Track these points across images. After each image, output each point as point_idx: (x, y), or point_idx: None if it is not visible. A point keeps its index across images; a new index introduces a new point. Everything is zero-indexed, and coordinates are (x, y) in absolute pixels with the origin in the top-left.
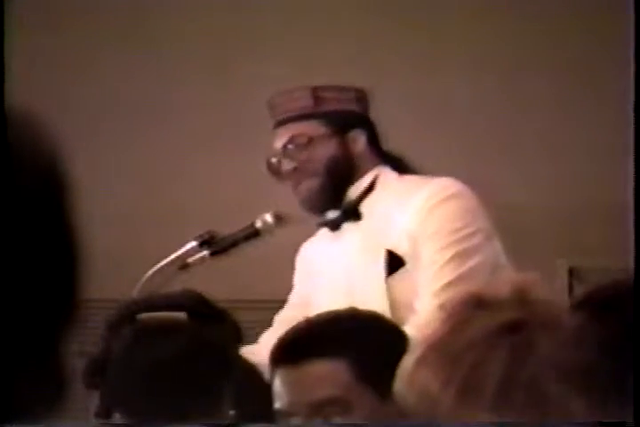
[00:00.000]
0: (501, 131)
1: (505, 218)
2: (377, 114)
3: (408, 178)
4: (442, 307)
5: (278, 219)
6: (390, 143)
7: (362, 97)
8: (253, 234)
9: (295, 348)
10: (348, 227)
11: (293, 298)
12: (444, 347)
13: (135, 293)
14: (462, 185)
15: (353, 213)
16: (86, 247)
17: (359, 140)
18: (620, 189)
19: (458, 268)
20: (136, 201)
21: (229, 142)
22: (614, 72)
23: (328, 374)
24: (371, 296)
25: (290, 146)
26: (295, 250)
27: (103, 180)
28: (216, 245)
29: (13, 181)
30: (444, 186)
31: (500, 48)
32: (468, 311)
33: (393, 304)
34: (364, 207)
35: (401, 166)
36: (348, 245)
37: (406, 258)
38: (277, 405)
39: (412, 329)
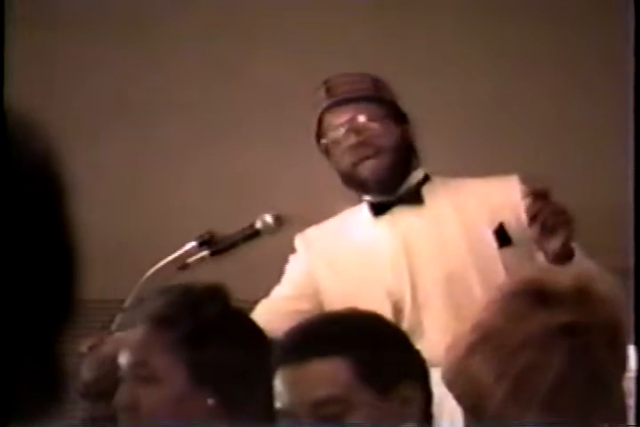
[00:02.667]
0: (500, 130)
1: None
2: None
3: (454, 178)
4: (500, 291)
5: (278, 219)
6: None
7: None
8: (253, 234)
9: (296, 347)
10: (404, 210)
11: (303, 289)
12: (500, 338)
13: (135, 293)
14: None
15: (414, 197)
16: (85, 247)
17: (414, 134)
18: (620, 189)
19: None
20: (136, 201)
21: (229, 142)
22: (614, 72)
23: (328, 374)
24: (476, 270)
25: (356, 122)
26: (294, 251)
27: (102, 180)
28: (216, 246)
29: (12, 181)
30: (522, 180)
31: (498, 48)
32: (527, 304)
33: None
34: (429, 193)
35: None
36: (420, 226)
37: (515, 236)
38: (278, 404)
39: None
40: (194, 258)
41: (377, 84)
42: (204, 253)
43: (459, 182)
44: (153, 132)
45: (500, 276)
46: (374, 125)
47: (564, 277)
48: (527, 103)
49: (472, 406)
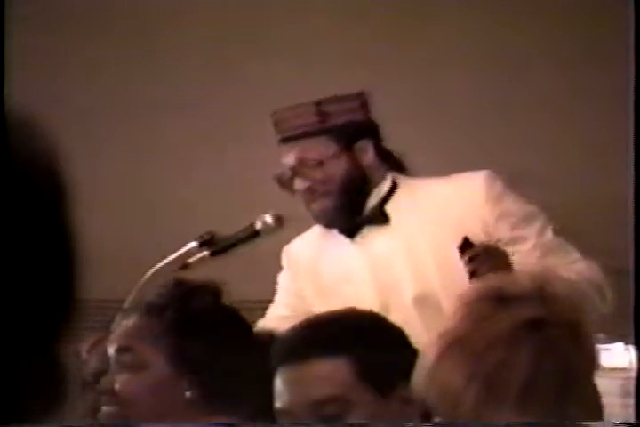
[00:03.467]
0: (500, 130)
1: None
2: (378, 113)
3: (427, 179)
4: (462, 300)
5: (278, 219)
6: (391, 143)
7: (364, 102)
8: (253, 234)
9: (297, 347)
10: (373, 231)
11: (294, 303)
12: (467, 343)
13: (134, 293)
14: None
15: (378, 217)
16: (86, 247)
17: (368, 151)
18: (621, 188)
19: (560, 244)
20: (136, 201)
21: (229, 142)
22: (615, 70)
23: (329, 374)
24: (458, 284)
25: (301, 166)
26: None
27: (102, 180)
28: (216, 246)
29: (13, 181)
30: (492, 176)
31: (502, 45)
32: (489, 307)
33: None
34: (391, 209)
35: (403, 168)
36: (390, 249)
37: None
38: (278, 404)
39: (574, 272)
40: (194, 258)
41: (322, 111)
42: (205, 253)
43: (425, 188)
44: (153, 133)
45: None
46: (320, 169)
47: (521, 280)
48: (527, 103)
49: (447, 409)
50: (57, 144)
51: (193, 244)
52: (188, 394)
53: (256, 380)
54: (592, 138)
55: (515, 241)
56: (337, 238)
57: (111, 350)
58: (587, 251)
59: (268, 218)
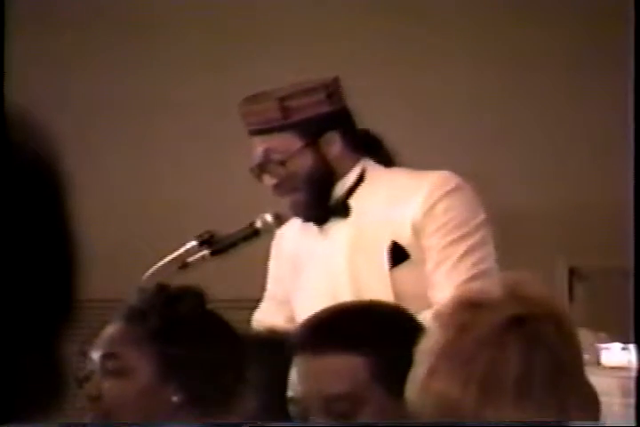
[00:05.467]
0: (501, 130)
1: (505, 217)
2: (376, 110)
3: (397, 170)
4: (436, 316)
5: (278, 219)
6: (387, 138)
7: (333, 91)
8: (253, 234)
9: (315, 339)
10: (336, 223)
11: (275, 290)
12: (454, 351)
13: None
14: (458, 177)
15: (341, 210)
16: (85, 247)
17: (334, 143)
18: (621, 188)
19: (477, 262)
20: (135, 200)
21: (229, 141)
22: (614, 71)
23: (346, 370)
24: (375, 289)
25: (267, 162)
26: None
27: (102, 179)
28: (216, 245)
29: (12, 181)
30: (445, 179)
31: (500, 43)
32: (467, 315)
33: (398, 296)
34: (354, 202)
35: (384, 156)
36: (340, 242)
37: (410, 249)
38: (291, 393)
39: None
40: (194, 257)
41: (285, 106)
42: (205, 252)
43: (388, 182)
44: (153, 132)
45: (380, 296)
46: (285, 166)
47: (492, 286)
48: (527, 103)
49: (448, 418)
50: (56, 143)
51: (193, 243)
52: (174, 399)
53: (242, 382)
54: (592, 138)
55: (437, 250)
56: (311, 228)
57: (96, 357)
58: (588, 251)
59: (268, 217)
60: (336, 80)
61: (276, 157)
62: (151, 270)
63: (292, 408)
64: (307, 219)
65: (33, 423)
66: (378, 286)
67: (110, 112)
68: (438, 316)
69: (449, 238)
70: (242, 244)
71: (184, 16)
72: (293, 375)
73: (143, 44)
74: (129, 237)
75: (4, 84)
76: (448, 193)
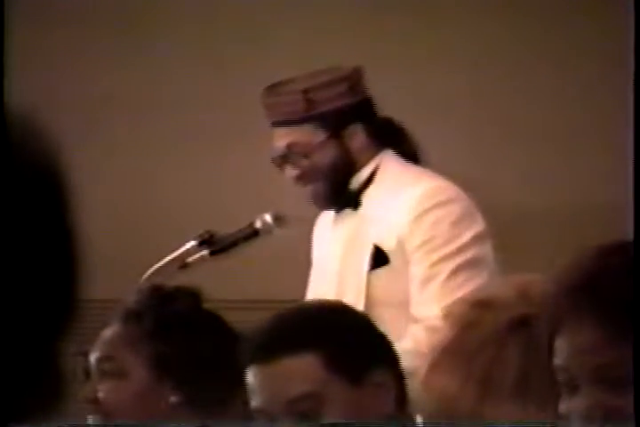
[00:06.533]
0: (501, 130)
1: (505, 217)
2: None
3: (409, 169)
4: (447, 315)
5: (278, 219)
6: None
7: (355, 82)
8: (253, 234)
9: (265, 345)
10: (348, 215)
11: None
12: (457, 349)
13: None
14: (455, 189)
15: (352, 201)
16: (86, 247)
17: (356, 136)
18: (620, 188)
19: (467, 281)
20: (135, 200)
21: (229, 141)
22: (615, 71)
23: (299, 371)
24: (350, 288)
25: (290, 153)
26: (295, 250)
27: (102, 179)
28: (216, 245)
29: (13, 181)
30: (439, 189)
31: (502, 43)
32: (475, 313)
33: (369, 300)
34: (366, 197)
35: (406, 148)
36: (343, 234)
37: (391, 255)
38: (253, 403)
39: (413, 338)
40: (194, 257)
41: (309, 99)
42: (204, 252)
43: (397, 178)
44: (153, 131)
45: (353, 298)
46: (308, 157)
47: (504, 287)
48: (527, 102)
49: (445, 415)
50: (56, 144)
51: (192, 243)
52: (172, 399)
53: (240, 381)
54: (592, 138)
55: (425, 266)
56: (330, 219)
57: (92, 359)
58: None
59: (268, 218)
60: (358, 70)
61: (299, 149)
62: (151, 270)
63: (256, 417)
64: (325, 209)
65: (33, 424)
66: (354, 288)
67: (110, 112)
68: (449, 315)
69: (436, 256)
70: (241, 244)
71: (182, 14)
72: (251, 385)
73: (143, 43)
74: (129, 237)
75: (3, 83)
76: (438, 205)
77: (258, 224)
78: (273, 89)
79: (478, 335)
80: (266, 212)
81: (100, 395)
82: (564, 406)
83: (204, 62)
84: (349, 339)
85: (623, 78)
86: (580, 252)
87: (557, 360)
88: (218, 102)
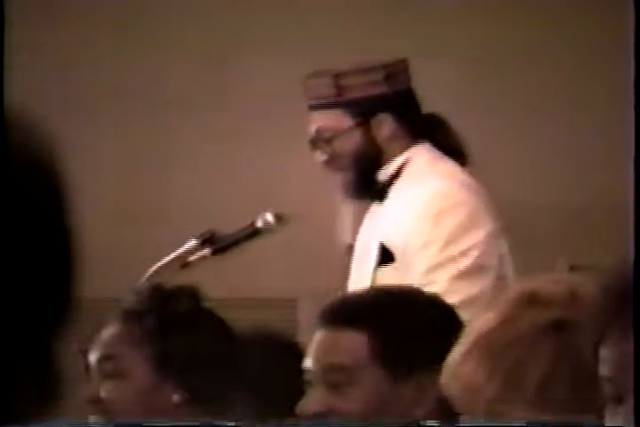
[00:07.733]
0: (502, 131)
1: (506, 217)
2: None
3: (435, 165)
4: (499, 301)
5: (279, 218)
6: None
7: (393, 72)
8: (254, 233)
9: (332, 314)
10: (376, 208)
11: None
12: (492, 341)
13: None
14: (464, 192)
15: (378, 194)
16: (86, 246)
17: (384, 125)
18: (621, 188)
19: (467, 288)
20: (136, 199)
21: (230, 141)
22: (615, 72)
23: (348, 344)
24: (357, 283)
25: (318, 138)
26: (295, 250)
27: (102, 179)
28: (217, 244)
29: (12, 179)
30: (442, 195)
31: (502, 44)
32: (519, 306)
33: None
34: (393, 191)
35: (447, 143)
36: (365, 227)
37: (396, 254)
38: (306, 363)
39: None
40: (195, 256)
41: (340, 84)
42: (206, 251)
43: (425, 173)
44: (153, 131)
45: None
46: (334, 143)
47: (556, 284)
48: (528, 103)
49: (466, 404)
50: (56, 142)
51: (194, 242)
52: (175, 398)
53: (242, 379)
54: (592, 138)
55: (422, 271)
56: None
57: (92, 359)
58: (587, 250)
59: (269, 216)
60: (401, 61)
61: (326, 133)
62: (152, 270)
63: (305, 377)
64: (353, 197)
65: (31, 424)
66: (361, 283)
67: (110, 110)
68: (499, 300)
69: (434, 262)
70: (243, 243)
71: (183, 10)
72: (311, 346)
73: (144, 43)
74: (129, 236)
75: (3, 83)
76: (443, 210)
77: (259, 223)
78: (313, 73)
79: (514, 330)
80: (267, 210)
81: (103, 395)
82: (608, 418)
83: (206, 63)
84: (406, 336)
85: (624, 78)
86: (624, 253)
87: (603, 371)
88: (220, 101)
